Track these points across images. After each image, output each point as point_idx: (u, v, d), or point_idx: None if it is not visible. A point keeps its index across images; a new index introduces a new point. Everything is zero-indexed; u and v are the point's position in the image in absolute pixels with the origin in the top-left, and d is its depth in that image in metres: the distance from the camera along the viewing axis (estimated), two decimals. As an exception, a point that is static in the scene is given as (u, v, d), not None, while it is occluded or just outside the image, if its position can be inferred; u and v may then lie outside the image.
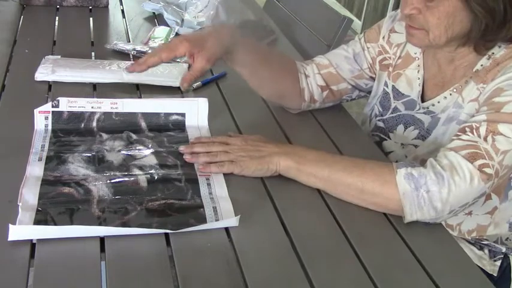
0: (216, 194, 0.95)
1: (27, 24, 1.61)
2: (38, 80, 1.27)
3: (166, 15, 1.69)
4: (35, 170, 0.95)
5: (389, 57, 1.21)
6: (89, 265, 0.78)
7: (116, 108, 1.12)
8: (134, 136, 1.08)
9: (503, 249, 1.13)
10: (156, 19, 1.75)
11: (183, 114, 1.14)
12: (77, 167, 0.98)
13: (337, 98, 1.26)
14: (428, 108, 1.13)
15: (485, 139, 0.92)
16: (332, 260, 0.86)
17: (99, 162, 0.99)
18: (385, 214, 0.96)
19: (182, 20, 1.66)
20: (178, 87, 1.32)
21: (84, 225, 0.83)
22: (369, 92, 1.27)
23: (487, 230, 1.12)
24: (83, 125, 1.09)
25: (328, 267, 0.84)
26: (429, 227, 0.95)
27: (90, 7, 1.78)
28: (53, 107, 1.08)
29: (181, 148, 1.05)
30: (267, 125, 1.21)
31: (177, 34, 1.62)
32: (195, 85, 1.33)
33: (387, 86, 1.21)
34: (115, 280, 0.77)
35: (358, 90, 1.26)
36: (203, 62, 1.05)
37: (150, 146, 1.06)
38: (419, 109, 1.15)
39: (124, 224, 0.85)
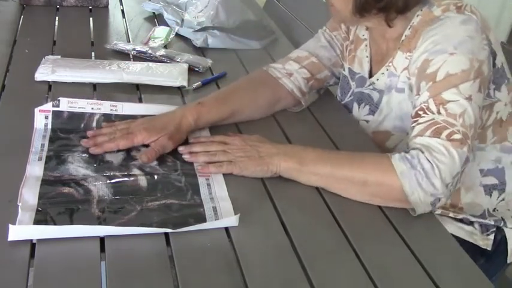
0: (215, 194, 0.95)
1: (27, 24, 1.61)
2: (38, 80, 1.27)
3: (166, 15, 1.69)
4: (35, 169, 0.95)
5: (349, 44, 1.27)
6: (89, 265, 0.78)
7: (115, 110, 1.13)
8: None
9: (492, 222, 1.14)
10: (156, 19, 1.75)
11: None
12: (76, 167, 0.98)
13: (321, 85, 1.30)
14: (373, 83, 1.19)
15: (438, 112, 0.96)
16: (332, 260, 0.86)
17: (98, 163, 0.99)
18: (384, 214, 0.96)
19: (182, 20, 1.66)
20: (178, 88, 1.32)
21: (84, 225, 0.83)
22: None
23: (461, 197, 1.13)
24: (82, 125, 1.09)
25: (328, 267, 0.84)
26: (428, 225, 0.95)
27: (90, 7, 1.78)
28: (53, 106, 1.09)
29: (181, 148, 1.05)
30: (266, 123, 1.21)
31: (177, 34, 1.62)
32: (195, 85, 1.33)
33: (344, 70, 1.28)
34: (115, 280, 0.77)
35: (334, 77, 1.31)
36: (165, 140, 1.03)
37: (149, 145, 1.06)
38: (368, 85, 1.21)
39: (124, 224, 0.85)
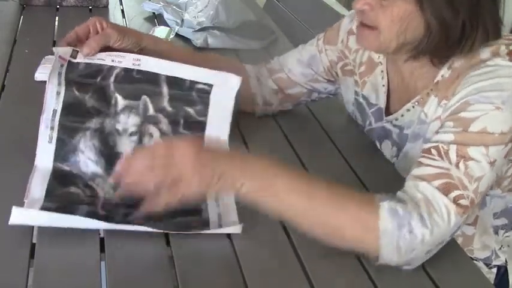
0: (222, 199, 0.93)
1: (27, 24, 1.61)
2: (38, 80, 1.27)
3: (166, 15, 1.69)
4: (44, 158, 0.94)
5: (350, 63, 1.13)
6: (89, 265, 0.78)
7: (138, 65, 1.01)
8: (151, 109, 1.00)
9: (498, 263, 1.10)
10: (156, 19, 1.75)
11: (210, 85, 1.02)
12: (86, 159, 0.96)
13: (295, 100, 1.21)
14: (392, 122, 1.06)
15: (457, 166, 0.83)
16: (332, 260, 0.85)
17: (109, 156, 0.96)
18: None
19: (182, 20, 1.66)
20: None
21: (86, 217, 0.82)
22: (332, 94, 1.22)
23: (474, 242, 1.07)
24: (99, 79, 1.00)
25: (328, 267, 0.84)
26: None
27: (90, 7, 1.78)
28: (71, 56, 1.01)
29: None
30: (266, 125, 1.21)
31: (177, 34, 1.62)
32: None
33: (358, 95, 1.14)
34: (115, 280, 0.77)
35: (316, 93, 1.20)
36: (108, 30, 1.02)
37: (163, 128, 1.00)
38: (387, 122, 1.08)
39: (126, 223, 0.85)
